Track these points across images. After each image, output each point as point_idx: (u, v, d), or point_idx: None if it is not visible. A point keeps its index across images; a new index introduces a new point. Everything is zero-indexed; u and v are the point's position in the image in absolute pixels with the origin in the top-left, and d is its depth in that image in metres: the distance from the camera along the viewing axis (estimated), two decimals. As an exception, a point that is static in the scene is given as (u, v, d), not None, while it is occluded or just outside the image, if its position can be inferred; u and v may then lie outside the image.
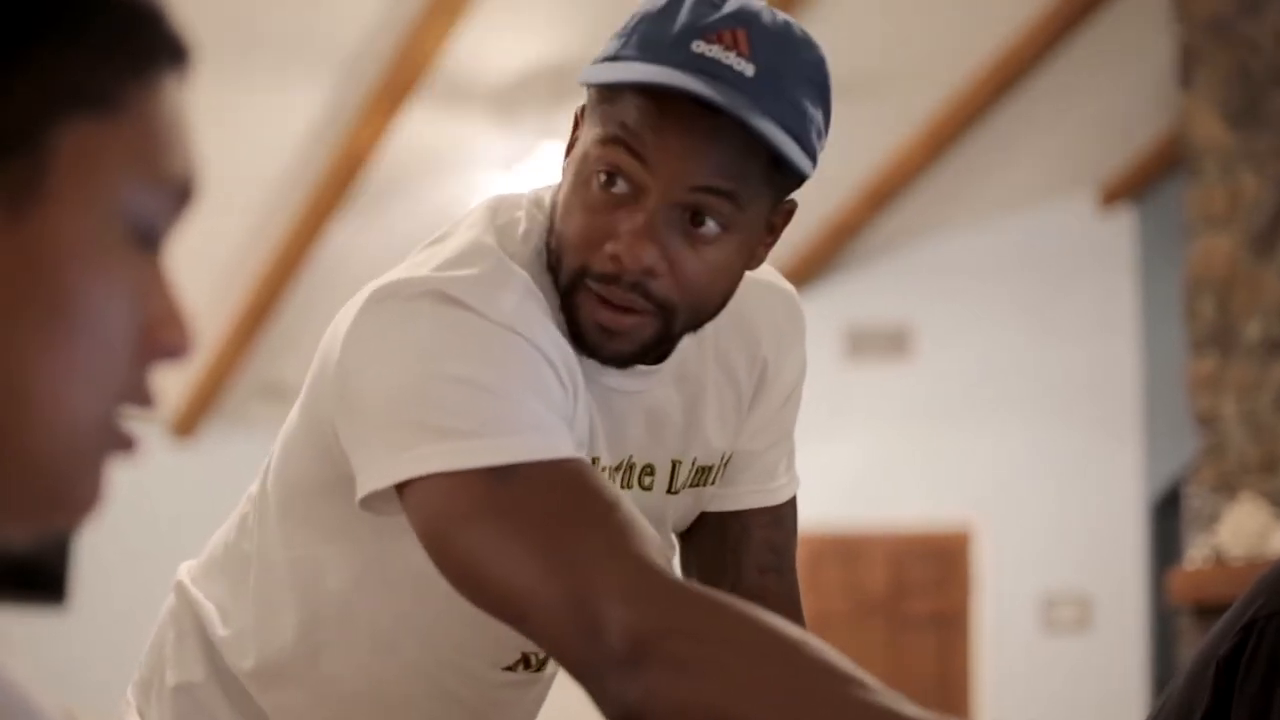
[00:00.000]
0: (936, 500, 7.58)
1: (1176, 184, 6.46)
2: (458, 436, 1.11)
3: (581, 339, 1.22)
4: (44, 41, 0.59)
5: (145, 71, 0.63)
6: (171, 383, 7.28)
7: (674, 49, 1.18)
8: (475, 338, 1.15)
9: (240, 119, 5.85)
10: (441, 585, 1.18)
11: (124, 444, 0.64)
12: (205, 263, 6.54)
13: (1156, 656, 7.23)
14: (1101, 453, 7.44)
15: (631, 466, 1.35)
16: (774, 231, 1.27)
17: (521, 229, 1.26)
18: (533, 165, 5.94)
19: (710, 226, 1.20)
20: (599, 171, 1.19)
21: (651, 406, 1.33)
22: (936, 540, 7.57)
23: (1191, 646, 5.08)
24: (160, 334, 0.64)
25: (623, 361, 1.25)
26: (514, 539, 1.08)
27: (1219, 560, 5.18)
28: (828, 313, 7.48)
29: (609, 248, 1.19)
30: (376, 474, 1.14)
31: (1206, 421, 5.60)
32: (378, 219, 6.56)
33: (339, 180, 6.33)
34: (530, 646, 1.35)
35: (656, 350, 1.25)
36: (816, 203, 7.14)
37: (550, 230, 1.25)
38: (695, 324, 1.26)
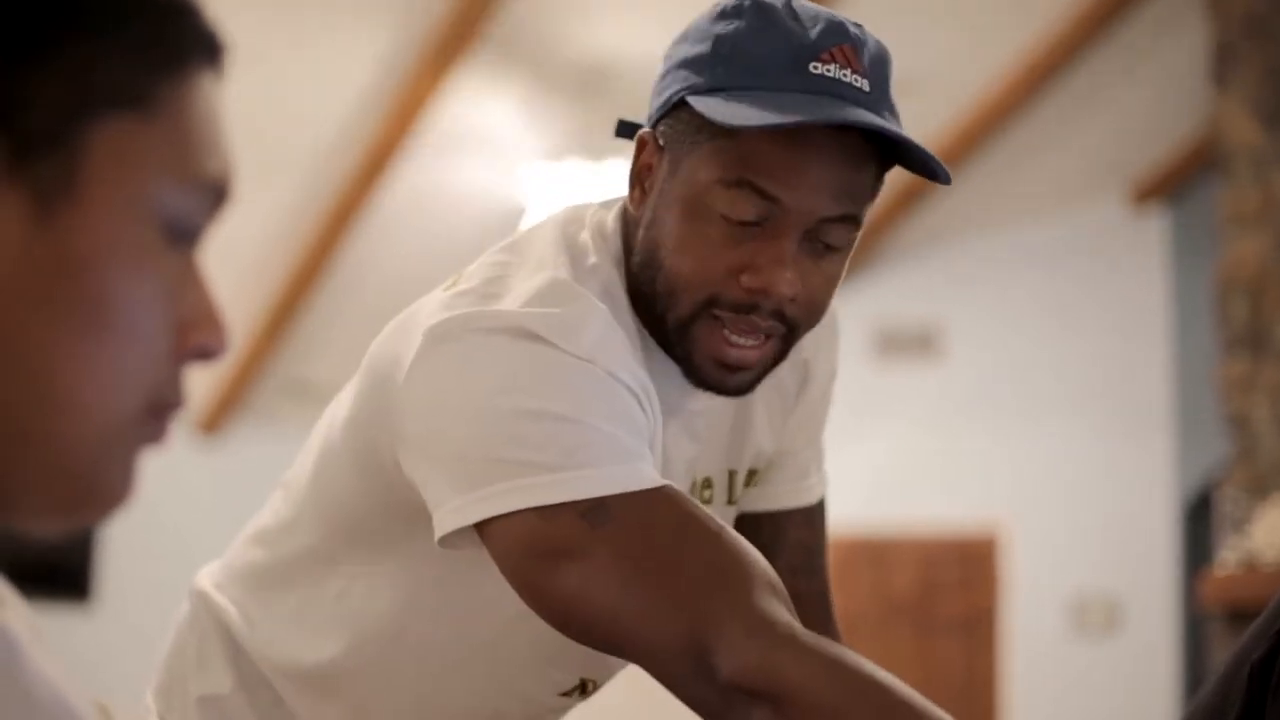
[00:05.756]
0: (965, 502, 7.55)
1: (1209, 184, 6.42)
2: (542, 471, 1.07)
3: (695, 373, 1.21)
4: (77, 39, 0.59)
5: (179, 69, 0.63)
6: (198, 380, 7.31)
7: (792, 73, 1.15)
8: (553, 370, 1.11)
9: (268, 116, 5.86)
10: (507, 610, 1.17)
11: (154, 437, 0.64)
12: (233, 260, 6.56)
13: (1187, 661, 7.19)
14: (1132, 455, 7.41)
15: (696, 484, 1.36)
16: None
17: (590, 262, 1.22)
18: (564, 162, 5.94)
19: (833, 244, 1.20)
20: (724, 214, 1.16)
21: (710, 421, 1.33)
22: (965, 542, 7.55)
23: (1223, 651, 5.05)
24: (194, 334, 0.64)
25: (743, 391, 1.23)
26: (618, 579, 1.07)
27: (1251, 564, 5.14)
28: (857, 312, 7.45)
29: (748, 281, 1.17)
30: (455, 512, 1.10)
31: (1238, 423, 5.56)
32: (407, 218, 6.57)
33: (367, 177, 6.34)
34: (589, 673, 1.34)
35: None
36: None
37: (654, 266, 1.21)
38: (802, 336, 1.25)
